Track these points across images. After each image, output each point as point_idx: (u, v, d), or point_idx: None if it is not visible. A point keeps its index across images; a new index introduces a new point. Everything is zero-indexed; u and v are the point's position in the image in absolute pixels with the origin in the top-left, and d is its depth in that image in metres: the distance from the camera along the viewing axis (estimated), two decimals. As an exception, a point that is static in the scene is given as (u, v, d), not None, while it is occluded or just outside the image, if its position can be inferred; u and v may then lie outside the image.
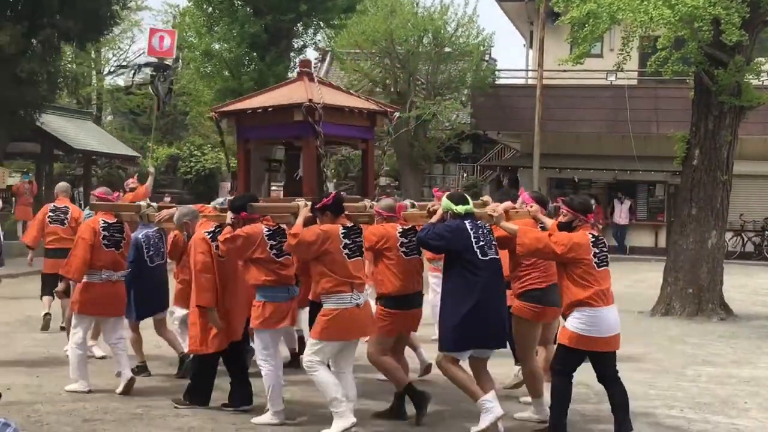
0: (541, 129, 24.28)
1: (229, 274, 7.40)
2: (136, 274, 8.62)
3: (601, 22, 12.99)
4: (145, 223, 8.47)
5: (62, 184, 11.62)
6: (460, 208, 6.78)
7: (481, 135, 30.67)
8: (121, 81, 43.84)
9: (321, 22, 19.17)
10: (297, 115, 8.01)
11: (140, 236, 8.77)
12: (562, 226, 6.81)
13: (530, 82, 28.12)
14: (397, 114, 8.94)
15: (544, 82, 24.46)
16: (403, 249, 7.20)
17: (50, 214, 10.86)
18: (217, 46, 18.37)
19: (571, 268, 6.58)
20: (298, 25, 18.79)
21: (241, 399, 7.48)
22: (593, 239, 6.66)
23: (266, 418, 7.06)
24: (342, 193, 7.75)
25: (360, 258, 6.86)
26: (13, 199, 25.30)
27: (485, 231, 6.81)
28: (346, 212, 7.08)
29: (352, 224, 6.94)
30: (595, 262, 6.59)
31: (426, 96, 26.55)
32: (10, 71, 21.82)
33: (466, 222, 6.74)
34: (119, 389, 7.99)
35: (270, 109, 8.31)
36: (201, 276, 7.25)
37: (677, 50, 14.01)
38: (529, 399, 7.56)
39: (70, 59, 34.92)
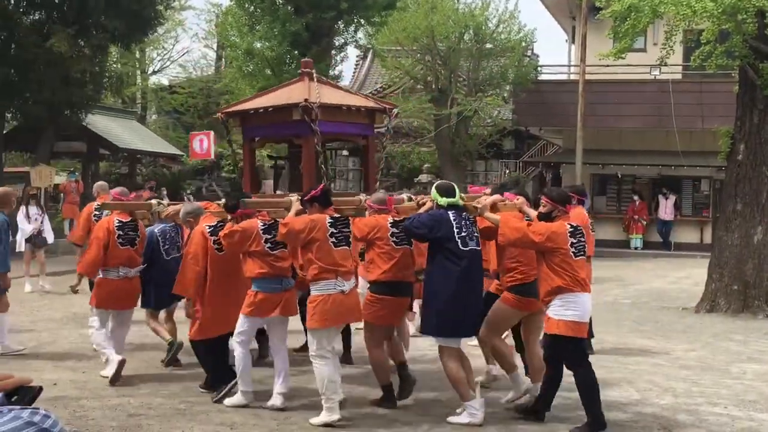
0: (583, 125, 24.06)
1: (228, 269, 7.74)
2: (153, 266, 9.01)
3: (643, 15, 12.86)
4: (156, 220, 8.92)
5: (101, 183, 11.84)
6: (443, 201, 7.13)
7: (524, 131, 30.48)
8: (165, 80, 44.33)
9: (361, 20, 19.17)
10: (295, 115, 8.40)
11: (156, 231, 9.16)
12: (541, 217, 7.09)
13: (572, 77, 27.89)
14: (396, 111, 9.27)
15: (587, 77, 24.25)
16: (394, 239, 7.45)
17: (95, 212, 11.04)
18: (258, 45, 18.46)
19: (549, 257, 6.87)
20: (339, 22, 18.81)
21: (218, 384, 7.78)
22: (571, 229, 6.93)
23: (237, 399, 7.49)
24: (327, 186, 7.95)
25: (347, 248, 7.20)
26: (60, 197, 25.74)
27: (468, 222, 7.14)
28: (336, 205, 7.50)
29: (340, 215, 7.30)
30: (573, 252, 6.87)
31: (467, 92, 26.45)
32: (59, 73, 22.22)
33: (450, 212, 7.07)
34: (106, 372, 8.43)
35: (270, 109, 8.73)
36: (188, 267, 7.73)
37: (721, 44, 13.84)
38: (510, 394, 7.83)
39: (115, 59, 35.38)
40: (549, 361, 7.08)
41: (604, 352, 10.35)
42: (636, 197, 25.97)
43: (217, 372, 7.86)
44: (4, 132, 25.40)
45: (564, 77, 29.57)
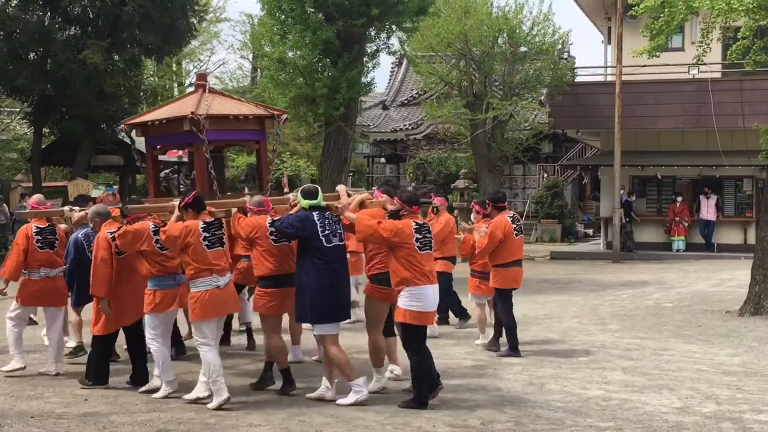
0: (621, 126, 23.75)
1: (124, 269, 8.57)
2: (78, 267, 9.61)
3: (677, 11, 12.59)
4: (68, 224, 9.72)
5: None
6: (305, 203, 7.95)
7: (561, 134, 30.21)
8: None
9: (393, 26, 19.04)
10: (185, 126, 9.34)
11: (80, 235, 9.82)
12: (391, 215, 7.98)
13: (609, 78, 27.55)
14: (284, 116, 10.20)
15: (624, 78, 23.92)
16: (272, 237, 8.24)
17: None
18: (290, 54, 18.41)
19: (396, 251, 7.71)
20: (370, 29, 18.68)
21: (142, 380, 8.61)
22: (416, 227, 7.78)
23: (162, 391, 8.20)
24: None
25: (220, 248, 7.97)
26: (99, 211, 25.85)
27: (331, 221, 7.97)
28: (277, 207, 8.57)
29: (213, 219, 8.05)
30: (418, 246, 7.71)
31: (502, 96, 26.24)
32: (94, 87, 22.41)
33: (314, 213, 7.90)
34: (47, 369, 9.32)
35: (165, 121, 9.65)
36: (99, 269, 8.49)
37: (760, 39, 13.52)
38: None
39: (151, 73, 35.64)
40: (406, 348, 7.89)
41: (644, 358, 10.12)
42: (677, 198, 25.54)
43: (96, 367, 8.71)
44: (42, 147, 25.66)
45: (600, 79, 29.21)
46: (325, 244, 7.80)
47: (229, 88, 42.30)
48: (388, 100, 39.41)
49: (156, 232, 8.17)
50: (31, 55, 22.98)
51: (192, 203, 7.98)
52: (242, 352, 10.52)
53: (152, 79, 34.66)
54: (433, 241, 8.01)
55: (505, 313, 10.47)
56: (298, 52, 18.26)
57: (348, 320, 8.76)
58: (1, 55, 21.91)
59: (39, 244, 9.39)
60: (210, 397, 7.81)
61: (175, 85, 43.94)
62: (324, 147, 19.99)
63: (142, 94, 25.56)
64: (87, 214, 9.16)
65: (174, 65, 41.03)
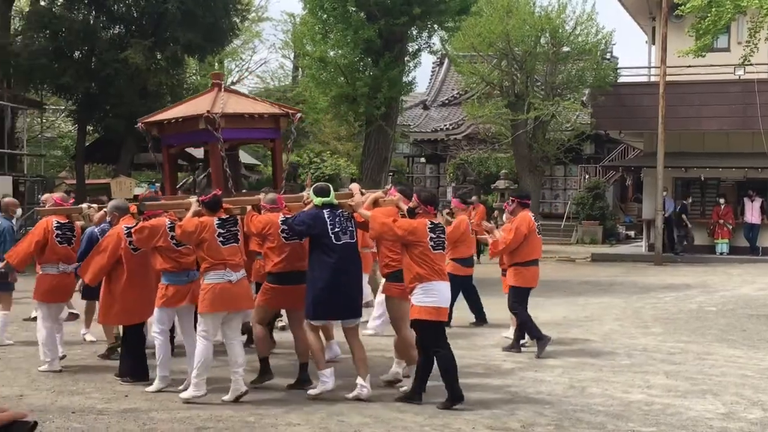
0: (665, 127, 23.47)
1: (138, 267, 8.78)
2: None
3: (725, 11, 12.41)
4: (87, 222, 9.98)
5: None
6: (318, 200, 8.14)
7: (603, 135, 29.93)
8: (244, 90, 44.77)
9: (435, 25, 18.97)
10: (201, 124, 9.46)
11: (97, 230, 10.15)
12: (409, 211, 8.06)
13: (653, 79, 27.24)
14: (298, 115, 10.23)
15: (668, 78, 23.63)
16: (284, 234, 8.38)
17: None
18: (332, 53, 18.42)
19: (411, 249, 7.82)
20: (412, 28, 18.63)
21: (140, 375, 8.79)
22: (431, 226, 7.89)
23: (155, 384, 8.41)
24: (216, 192, 8.61)
25: (235, 244, 8.10)
26: (141, 208, 26.07)
27: (342, 219, 8.14)
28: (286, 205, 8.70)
29: (228, 216, 8.18)
30: (431, 245, 7.81)
31: (544, 97, 26.06)
32: (136, 85, 22.60)
33: (324, 211, 8.09)
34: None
35: (181, 120, 9.79)
36: (96, 256, 8.82)
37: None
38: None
39: (194, 71, 35.88)
40: (419, 346, 7.95)
41: (687, 362, 9.97)
42: (721, 201, 25.17)
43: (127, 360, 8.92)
44: (86, 144, 25.94)
45: (644, 79, 28.90)
46: (334, 241, 7.99)
47: (270, 87, 42.55)
48: (428, 99, 39.35)
49: (172, 229, 8.32)
50: (76, 54, 23.20)
51: (209, 201, 8.15)
52: (284, 351, 10.50)
53: (195, 77, 34.88)
54: (446, 241, 8.17)
55: (520, 310, 10.54)
56: (340, 51, 18.27)
57: (359, 319, 8.63)
58: (47, 54, 22.15)
59: (59, 239, 9.53)
60: (246, 392, 7.96)
61: (217, 83, 44.23)
62: (364, 146, 20.00)
63: (184, 92, 25.68)
64: (105, 212, 9.44)
65: (216, 64, 41.30)
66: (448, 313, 8.23)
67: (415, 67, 19.83)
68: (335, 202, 8.20)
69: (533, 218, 10.55)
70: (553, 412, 7.62)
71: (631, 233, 33.03)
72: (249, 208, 8.56)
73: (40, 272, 9.59)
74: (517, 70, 26.28)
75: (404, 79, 19.17)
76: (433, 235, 7.85)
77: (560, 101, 25.74)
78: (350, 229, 8.17)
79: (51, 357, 9.32)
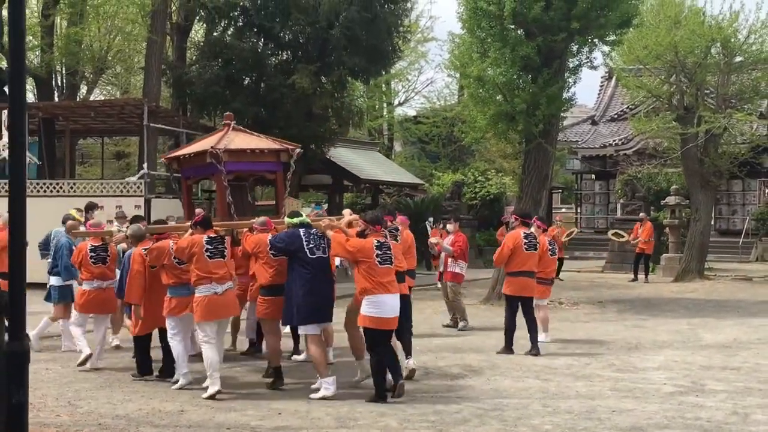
0: None
1: (157, 280, 9.93)
2: None
3: None
4: (110, 243, 11.29)
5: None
6: (293, 221, 9.53)
7: (783, 147, 28.44)
8: (411, 111, 45.30)
9: (596, 40, 18.58)
10: (208, 158, 10.99)
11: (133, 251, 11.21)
12: (358, 234, 9.21)
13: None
14: (298, 150, 11.73)
15: None
16: (272, 252, 9.61)
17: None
18: (489, 71, 18.34)
19: (360, 265, 8.94)
20: (572, 44, 18.32)
21: (169, 372, 10.06)
22: (378, 244, 8.98)
23: (181, 382, 9.65)
24: (204, 212, 11.53)
25: (221, 259, 9.42)
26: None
27: (316, 237, 9.41)
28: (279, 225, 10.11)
29: (215, 235, 9.53)
30: (378, 261, 8.90)
31: (715, 109, 24.98)
32: (302, 108, 23.30)
33: (300, 230, 9.41)
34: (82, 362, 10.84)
35: (192, 155, 11.56)
36: (134, 280, 9.99)
37: None
38: None
39: (360, 94, 36.59)
40: (368, 349, 9.05)
41: None
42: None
43: (146, 362, 10.31)
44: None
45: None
46: (309, 255, 9.23)
47: (437, 106, 42.87)
48: (597, 115, 38.63)
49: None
50: (246, 80, 24.18)
51: (200, 222, 9.64)
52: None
53: (360, 100, 35.57)
54: (394, 257, 9.10)
55: (508, 316, 11.98)
56: (498, 69, 18.14)
57: (331, 323, 9.89)
58: (219, 81, 23.17)
59: (93, 260, 11.05)
60: (221, 392, 9.10)
61: (384, 105, 44.92)
62: (524, 164, 19.78)
63: (348, 114, 26.28)
64: (125, 235, 10.83)
65: (383, 86, 41.98)
66: (395, 321, 9.04)
67: (575, 83, 19.46)
68: (307, 220, 9.62)
69: (525, 236, 11.94)
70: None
71: (817, 251, 31.18)
72: (244, 230, 10.02)
73: (83, 288, 11.12)
74: (686, 83, 25.33)
75: (564, 95, 18.84)
76: (380, 252, 8.95)
77: (733, 113, 24.60)
78: (323, 245, 9.40)
79: (81, 345, 10.92)
